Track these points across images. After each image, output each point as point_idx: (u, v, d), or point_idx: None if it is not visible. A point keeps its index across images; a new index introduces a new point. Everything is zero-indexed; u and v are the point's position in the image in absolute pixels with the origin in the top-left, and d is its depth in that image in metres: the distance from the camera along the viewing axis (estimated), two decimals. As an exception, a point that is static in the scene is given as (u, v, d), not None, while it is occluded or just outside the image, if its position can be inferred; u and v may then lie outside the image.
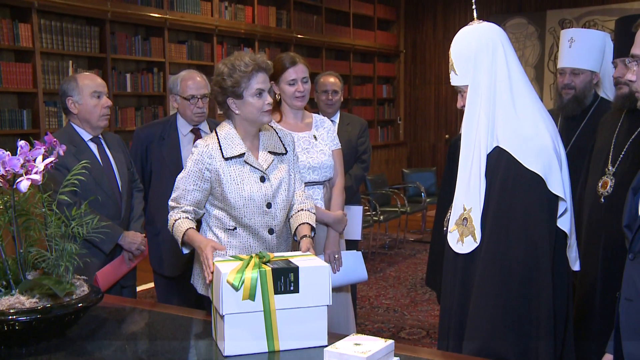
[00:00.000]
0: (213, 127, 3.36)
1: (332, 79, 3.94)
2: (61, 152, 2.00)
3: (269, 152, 2.44)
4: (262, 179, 2.38)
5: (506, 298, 1.86)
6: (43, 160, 1.88)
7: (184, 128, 3.33)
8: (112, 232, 2.89)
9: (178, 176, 2.40)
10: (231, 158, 2.35)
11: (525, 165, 1.89)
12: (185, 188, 2.36)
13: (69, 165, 2.61)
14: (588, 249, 2.44)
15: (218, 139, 2.39)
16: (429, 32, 10.16)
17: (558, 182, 1.91)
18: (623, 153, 2.41)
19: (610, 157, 2.46)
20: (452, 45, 2.04)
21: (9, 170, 1.81)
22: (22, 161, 1.82)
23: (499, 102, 1.95)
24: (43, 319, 1.84)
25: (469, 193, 1.96)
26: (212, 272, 1.97)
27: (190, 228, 2.27)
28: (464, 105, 2.01)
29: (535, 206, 1.89)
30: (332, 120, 3.91)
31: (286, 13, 7.99)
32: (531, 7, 9.32)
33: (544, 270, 1.86)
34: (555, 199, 1.92)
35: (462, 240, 1.97)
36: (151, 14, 6.25)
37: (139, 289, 3.59)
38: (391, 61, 10.26)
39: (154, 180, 3.32)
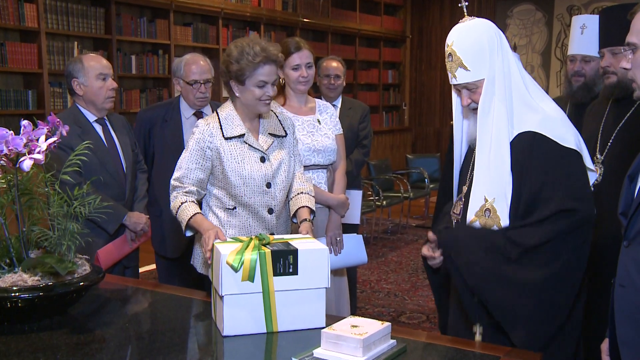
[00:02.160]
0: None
1: (334, 64, 3.94)
2: (64, 133, 2.02)
3: (269, 134, 2.46)
4: (262, 159, 2.41)
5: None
6: (46, 140, 1.89)
7: (186, 111, 3.33)
8: (117, 212, 2.92)
9: (180, 156, 2.42)
10: (231, 138, 2.38)
11: (562, 144, 1.92)
12: (188, 167, 2.38)
13: (73, 146, 2.61)
14: None
15: (219, 119, 2.42)
16: (435, 18, 10.10)
17: (587, 156, 1.99)
18: (611, 141, 2.42)
19: (598, 145, 2.47)
20: (455, 42, 1.99)
21: (12, 150, 1.83)
22: (25, 141, 1.84)
23: (515, 90, 1.97)
24: (45, 297, 1.86)
25: (492, 184, 1.96)
26: (211, 251, 2.02)
27: (198, 213, 2.30)
28: (474, 102, 2.00)
29: (583, 180, 1.95)
30: (334, 105, 3.92)
31: (292, -4, 7.96)
32: (539, -7, 9.26)
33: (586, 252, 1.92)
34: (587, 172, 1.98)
35: None
36: (157, -4, 6.24)
37: (141, 270, 3.62)
38: (397, 46, 10.22)
39: (156, 162, 3.34)
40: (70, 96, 3.08)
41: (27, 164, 1.84)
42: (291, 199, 2.51)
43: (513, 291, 1.87)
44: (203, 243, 2.14)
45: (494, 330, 1.93)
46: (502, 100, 1.95)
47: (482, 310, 1.94)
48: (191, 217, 2.28)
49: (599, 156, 2.44)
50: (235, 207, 2.43)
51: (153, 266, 3.99)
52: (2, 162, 1.90)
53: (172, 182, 2.42)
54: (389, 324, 1.73)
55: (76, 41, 5.75)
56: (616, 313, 1.58)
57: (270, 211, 2.43)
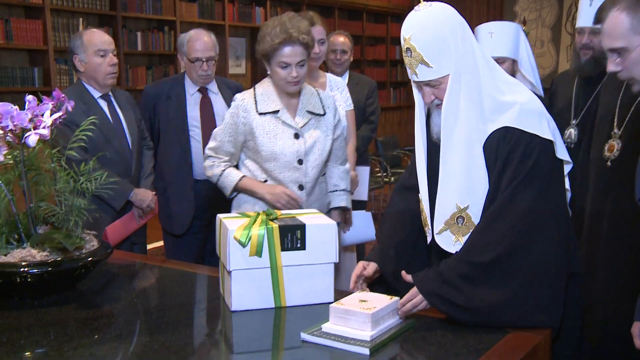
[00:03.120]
0: (223, 86, 3.36)
1: (341, 39, 3.90)
2: (69, 108, 2.00)
3: (307, 111, 2.47)
4: (297, 136, 2.44)
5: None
6: (51, 115, 1.88)
7: (191, 87, 3.30)
8: (123, 189, 2.91)
9: (216, 128, 2.54)
10: (265, 113, 2.39)
11: (540, 135, 1.76)
12: (222, 139, 2.50)
13: (78, 122, 2.60)
14: (593, 215, 2.43)
15: (255, 94, 2.48)
16: (444, -8, 9.96)
17: (562, 146, 1.84)
18: (630, 115, 2.37)
19: (615, 119, 2.42)
20: (413, 36, 1.76)
21: (17, 125, 1.81)
22: (30, 116, 1.82)
23: (484, 85, 1.78)
24: (54, 272, 1.87)
25: (464, 190, 1.80)
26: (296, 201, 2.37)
27: (244, 176, 2.49)
28: (437, 98, 1.80)
29: (555, 172, 1.80)
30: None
31: (299, -29, 7.87)
32: (550, -34, 9.10)
33: (563, 229, 1.78)
34: (561, 162, 1.84)
35: (460, 240, 1.82)
36: (162, -29, 6.18)
37: (149, 246, 3.63)
38: (405, 21, 10.11)
39: (161, 138, 3.32)
40: (75, 72, 3.06)
41: (32, 139, 1.83)
42: (330, 192, 2.63)
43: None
44: (278, 198, 2.40)
45: None
46: (470, 97, 1.76)
47: None
48: (240, 180, 2.47)
49: (616, 130, 2.39)
50: (266, 180, 2.48)
51: (161, 243, 4.00)
52: (8, 137, 1.89)
53: (206, 150, 2.54)
54: (398, 298, 1.72)
55: (81, 17, 5.71)
56: None
57: (301, 187, 2.46)
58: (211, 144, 2.54)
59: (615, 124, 2.41)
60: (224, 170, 2.51)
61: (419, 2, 1.84)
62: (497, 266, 1.71)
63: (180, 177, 3.27)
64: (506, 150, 1.76)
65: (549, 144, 1.78)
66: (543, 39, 9.21)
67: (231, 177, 2.50)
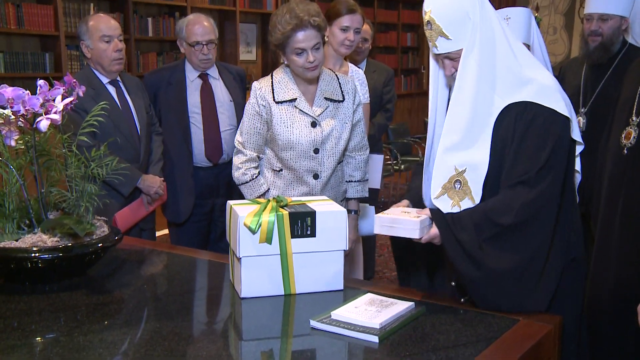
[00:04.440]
0: (224, 72, 3.33)
1: (363, 26, 3.87)
2: (80, 93, 2.00)
3: (325, 98, 2.44)
4: (314, 124, 2.42)
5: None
6: (62, 100, 1.88)
7: (191, 73, 3.28)
8: (131, 175, 2.91)
9: (242, 121, 2.52)
10: (282, 102, 2.38)
11: (557, 110, 1.82)
12: (248, 132, 2.48)
13: (87, 108, 2.61)
14: (608, 202, 2.40)
15: (272, 82, 2.46)
16: (456, -22, 9.87)
17: (576, 127, 1.90)
18: None
19: (635, 107, 2.39)
20: (433, 9, 1.83)
21: (28, 110, 1.82)
22: (41, 101, 1.82)
23: (500, 60, 1.83)
24: (64, 257, 1.88)
25: (465, 156, 1.84)
26: None
27: (268, 189, 2.50)
28: (456, 71, 1.86)
29: (571, 151, 1.88)
30: (358, 67, 3.87)
31: (310, -43, 7.81)
32: (564, -48, 8.99)
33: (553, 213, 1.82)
34: (574, 142, 1.89)
35: (459, 205, 1.86)
36: (172, -44, 6.15)
37: (158, 234, 3.64)
38: (416, 8, 10.02)
39: (163, 125, 3.29)
40: (84, 58, 3.06)
41: (44, 124, 1.83)
42: (348, 182, 2.62)
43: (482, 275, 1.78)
44: None
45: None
46: (483, 70, 1.82)
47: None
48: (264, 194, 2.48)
49: (634, 118, 2.36)
50: (281, 169, 2.46)
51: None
52: (19, 122, 1.90)
53: (236, 144, 2.52)
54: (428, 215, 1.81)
55: (92, 3, 5.70)
56: None
57: (316, 176, 2.45)
58: (239, 137, 2.51)
59: (634, 111, 2.37)
60: (253, 179, 2.49)
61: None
62: (510, 233, 1.77)
63: (180, 165, 3.26)
64: (525, 124, 1.82)
65: (567, 121, 1.83)
66: (556, 26, 9.11)
67: (255, 190, 2.50)
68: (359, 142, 2.60)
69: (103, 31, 2.90)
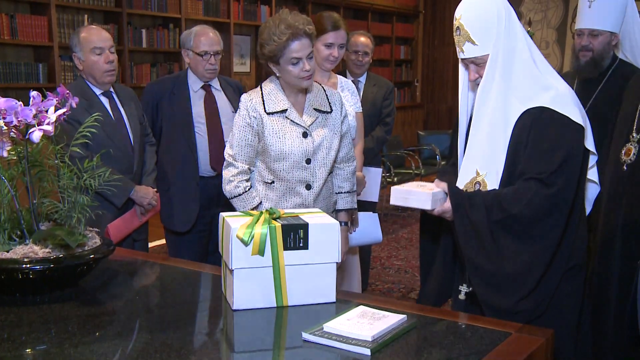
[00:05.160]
0: (225, 84, 3.36)
1: (363, 39, 3.88)
2: (74, 104, 2.00)
3: (314, 109, 2.46)
4: (305, 135, 2.43)
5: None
6: (55, 111, 1.87)
7: (194, 84, 3.30)
8: (124, 186, 2.91)
9: (231, 133, 2.51)
10: (273, 113, 2.39)
11: (571, 118, 1.91)
12: (239, 144, 2.46)
13: (80, 119, 2.60)
14: (608, 219, 2.41)
15: (262, 93, 2.45)
16: (449, -8, 9.96)
17: (590, 136, 1.98)
18: None
19: (635, 123, 2.39)
20: (463, 16, 1.98)
21: (21, 121, 1.81)
22: (34, 112, 1.82)
23: (521, 67, 1.94)
24: (56, 269, 1.86)
25: (485, 158, 1.96)
26: None
27: (260, 202, 2.49)
28: (481, 76, 1.99)
29: (584, 159, 1.96)
30: (358, 81, 3.90)
31: (304, -30, 7.87)
32: (556, -33, 9.08)
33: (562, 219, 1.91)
34: (587, 151, 1.98)
35: None
36: (167, -31, 6.18)
37: (151, 244, 3.63)
38: (410, 21, 10.09)
39: (164, 136, 3.32)
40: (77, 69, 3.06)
41: (36, 135, 1.82)
42: (338, 193, 2.64)
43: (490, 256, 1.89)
44: None
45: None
46: (504, 76, 1.93)
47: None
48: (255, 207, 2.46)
49: (635, 135, 2.37)
50: (273, 182, 2.45)
51: (163, 241, 4.01)
52: (12, 133, 1.89)
53: (226, 156, 2.51)
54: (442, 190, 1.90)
55: (86, 14, 5.72)
56: (639, 297, 1.56)
57: (309, 187, 2.45)
58: (229, 150, 2.51)
59: (634, 127, 2.38)
60: (246, 192, 2.49)
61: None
62: (518, 225, 1.87)
63: (186, 174, 3.27)
64: (540, 128, 1.91)
65: (581, 129, 1.92)
66: (548, 40, 9.19)
67: (248, 202, 2.48)
68: (346, 154, 2.62)
69: (94, 43, 2.90)
